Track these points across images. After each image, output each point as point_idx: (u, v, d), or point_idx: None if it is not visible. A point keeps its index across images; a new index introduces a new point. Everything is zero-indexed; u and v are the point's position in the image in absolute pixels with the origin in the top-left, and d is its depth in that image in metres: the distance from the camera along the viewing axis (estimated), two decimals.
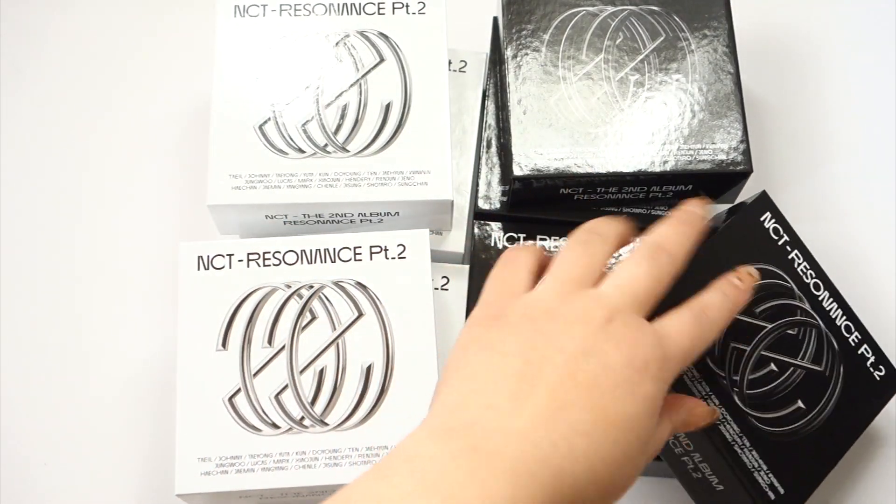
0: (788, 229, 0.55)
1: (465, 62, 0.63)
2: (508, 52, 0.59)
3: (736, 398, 0.50)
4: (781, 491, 0.50)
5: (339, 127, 0.56)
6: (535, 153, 0.57)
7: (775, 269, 0.53)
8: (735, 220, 0.53)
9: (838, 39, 0.73)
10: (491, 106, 0.63)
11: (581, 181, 0.57)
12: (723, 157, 0.57)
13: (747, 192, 0.63)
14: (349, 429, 0.50)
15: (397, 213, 0.55)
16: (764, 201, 0.54)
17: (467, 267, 0.59)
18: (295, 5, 0.58)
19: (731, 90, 0.58)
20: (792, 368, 0.52)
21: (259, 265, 0.53)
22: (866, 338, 0.55)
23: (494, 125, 0.63)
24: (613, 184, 0.57)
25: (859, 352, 0.54)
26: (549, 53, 0.59)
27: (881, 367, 0.55)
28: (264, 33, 0.58)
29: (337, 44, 0.58)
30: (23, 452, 0.61)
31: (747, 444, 0.49)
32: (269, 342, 0.51)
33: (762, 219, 0.54)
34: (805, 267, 0.54)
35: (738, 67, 0.59)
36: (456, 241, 0.59)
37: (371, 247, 0.53)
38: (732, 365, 0.50)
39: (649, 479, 0.60)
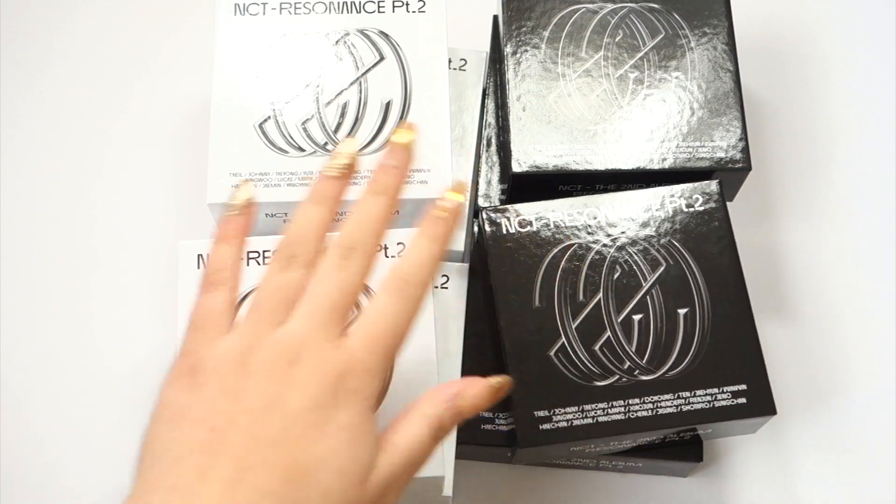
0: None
1: (465, 61, 0.63)
2: (508, 49, 0.59)
3: (645, 376, 0.51)
4: (744, 387, 0.51)
5: (339, 125, 0.56)
6: (534, 150, 0.57)
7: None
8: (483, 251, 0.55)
9: (838, 37, 0.73)
10: (491, 104, 0.64)
11: (580, 178, 0.57)
12: (722, 154, 0.57)
13: (746, 191, 0.63)
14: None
15: (397, 211, 0.55)
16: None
17: (467, 265, 0.59)
18: (295, 4, 0.58)
19: (730, 88, 0.58)
20: (651, 303, 0.53)
21: (259, 264, 0.53)
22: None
23: (494, 124, 0.63)
24: (612, 181, 0.58)
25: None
26: (549, 50, 0.59)
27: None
28: (264, 32, 0.58)
29: (337, 42, 0.58)
30: (21, 450, 0.61)
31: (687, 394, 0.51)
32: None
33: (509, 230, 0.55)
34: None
35: (738, 65, 0.59)
36: (456, 239, 0.59)
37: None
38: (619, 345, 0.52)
39: (649, 479, 0.60)
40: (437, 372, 0.51)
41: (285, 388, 0.39)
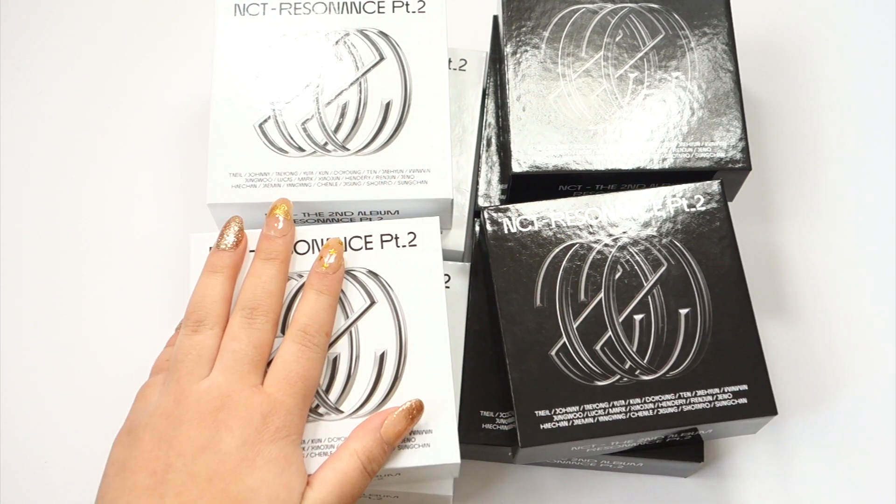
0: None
1: (466, 61, 0.63)
2: (508, 49, 0.59)
3: (646, 376, 0.51)
4: (745, 387, 0.52)
5: (339, 125, 0.56)
6: (534, 150, 0.57)
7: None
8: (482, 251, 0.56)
9: (838, 37, 0.73)
10: (491, 104, 0.64)
11: (580, 178, 0.57)
12: (721, 154, 0.57)
13: (746, 191, 0.63)
14: (364, 416, 0.50)
15: (397, 211, 0.55)
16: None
17: (468, 265, 0.59)
18: (295, 4, 0.58)
19: (730, 88, 0.58)
20: (652, 302, 0.53)
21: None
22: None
23: (494, 123, 0.63)
24: (612, 181, 0.58)
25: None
26: (549, 50, 0.59)
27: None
28: (264, 32, 0.58)
29: (337, 42, 0.58)
30: (25, 449, 0.61)
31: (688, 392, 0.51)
32: (283, 332, 0.52)
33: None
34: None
35: (738, 65, 0.59)
36: (456, 239, 0.59)
37: (382, 235, 0.53)
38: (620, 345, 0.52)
39: (650, 479, 0.60)
40: (449, 359, 0.51)
41: (214, 431, 0.44)
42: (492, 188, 0.61)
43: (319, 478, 0.46)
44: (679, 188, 0.55)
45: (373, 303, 0.52)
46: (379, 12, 0.58)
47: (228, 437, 0.44)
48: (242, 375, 0.46)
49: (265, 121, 0.56)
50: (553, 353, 0.52)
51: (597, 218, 0.55)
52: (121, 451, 0.45)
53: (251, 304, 0.48)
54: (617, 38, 0.59)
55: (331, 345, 0.51)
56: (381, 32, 0.58)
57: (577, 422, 0.51)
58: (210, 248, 0.52)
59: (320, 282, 0.50)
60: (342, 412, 0.50)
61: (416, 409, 0.48)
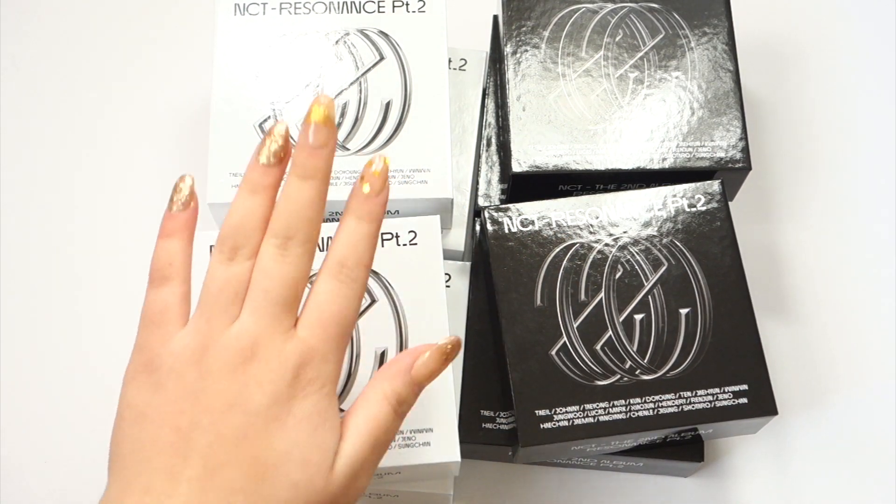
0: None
1: (466, 60, 0.63)
2: (508, 49, 0.59)
3: (646, 376, 0.51)
4: (745, 387, 0.51)
5: (339, 125, 0.56)
6: (534, 150, 0.57)
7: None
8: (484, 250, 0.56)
9: (838, 37, 0.73)
10: (491, 104, 0.64)
11: (580, 178, 0.57)
12: (722, 154, 0.57)
13: (746, 191, 0.63)
14: None
15: (397, 211, 0.55)
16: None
17: (468, 264, 0.59)
18: (295, 4, 0.58)
19: (730, 88, 0.58)
20: (651, 301, 0.53)
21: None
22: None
23: (494, 123, 0.63)
24: (612, 181, 0.58)
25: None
26: (549, 50, 0.59)
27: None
28: (264, 32, 0.58)
29: (337, 42, 0.58)
30: (25, 448, 0.61)
31: (688, 393, 0.51)
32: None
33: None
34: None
35: (738, 65, 0.59)
36: (456, 239, 0.59)
37: (382, 234, 0.53)
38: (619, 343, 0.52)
39: (650, 479, 0.60)
40: (450, 372, 0.51)
41: (244, 385, 0.39)
42: (492, 188, 0.62)
43: (351, 427, 0.41)
44: (679, 188, 0.55)
45: (373, 301, 0.52)
46: (379, 12, 0.58)
47: (258, 393, 0.39)
48: (274, 319, 0.40)
49: (265, 120, 0.56)
50: (553, 352, 0.52)
51: (597, 217, 0.55)
52: (140, 395, 0.40)
53: (285, 231, 0.41)
54: (617, 38, 0.59)
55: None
56: (381, 32, 0.58)
57: (577, 421, 0.51)
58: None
59: (361, 206, 0.42)
60: (342, 411, 0.50)
61: (453, 348, 0.43)
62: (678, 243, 0.54)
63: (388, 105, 0.56)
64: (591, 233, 0.54)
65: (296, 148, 0.42)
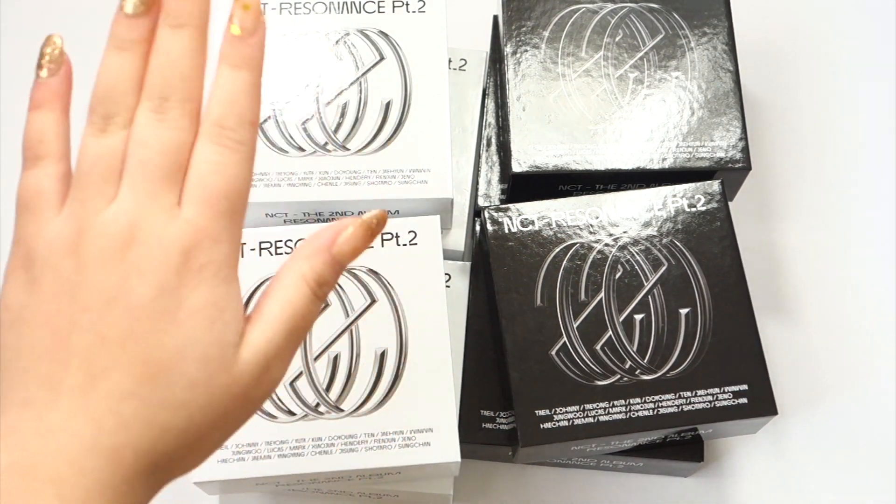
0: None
1: (465, 60, 0.63)
2: (508, 49, 0.59)
3: (646, 376, 0.51)
4: (745, 387, 0.52)
5: (339, 125, 0.56)
6: (534, 150, 0.57)
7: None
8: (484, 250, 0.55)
9: (838, 37, 0.73)
10: (491, 104, 0.64)
11: (580, 178, 0.57)
12: (721, 154, 0.57)
13: (746, 190, 0.63)
14: (365, 414, 0.50)
15: (397, 211, 0.55)
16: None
17: (468, 264, 0.59)
18: (295, 4, 0.58)
19: (730, 88, 0.58)
20: (650, 301, 0.53)
21: (271, 254, 0.53)
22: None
23: (494, 123, 0.63)
24: (612, 181, 0.58)
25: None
26: (549, 50, 0.59)
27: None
28: None
29: (337, 42, 0.58)
30: None
31: (688, 393, 0.51)
32: None
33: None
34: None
35: (738, 65, 0.59)
36: (456, 239, 0.59)
37: (382, 234, 0.53)
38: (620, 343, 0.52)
39: (650, 479, 0.60)
40: (450, 357, 0.51)
41: (124, 277, 0.34)
42: (492, 188, 0.62)
43: (264, 313, 0.36)
44: (679, 188, 0.55)
45: (373, 301, 0.52)
46: (379, 12, 0.58)
47: (141, 284, 0.34)
48: (154, 195, 0.35)
49: (265, 120, 0.56)
50: (553, 352, 0.52)
51: (597, 217, 0.55)
52: (18, 294, 0.35)
53: (160, 91, 0.36)
54: (617, 38, 0.59)
55: (331, 343, 0.51)
56: (381, 32, 0.58)
57: (577, 421, 0.51)
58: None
59: (234, 52, 0.36)
60: (342, 411, 0.50)
61: (379, 222, 0.38)
62: (678, 243, 0.54)
63: (388, 105, 0.56)
64: (591, 233, 0.54)
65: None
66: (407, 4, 0.58)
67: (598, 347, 0.52)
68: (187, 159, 0.35)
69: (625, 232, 0.54)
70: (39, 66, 0.39)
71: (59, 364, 0.34)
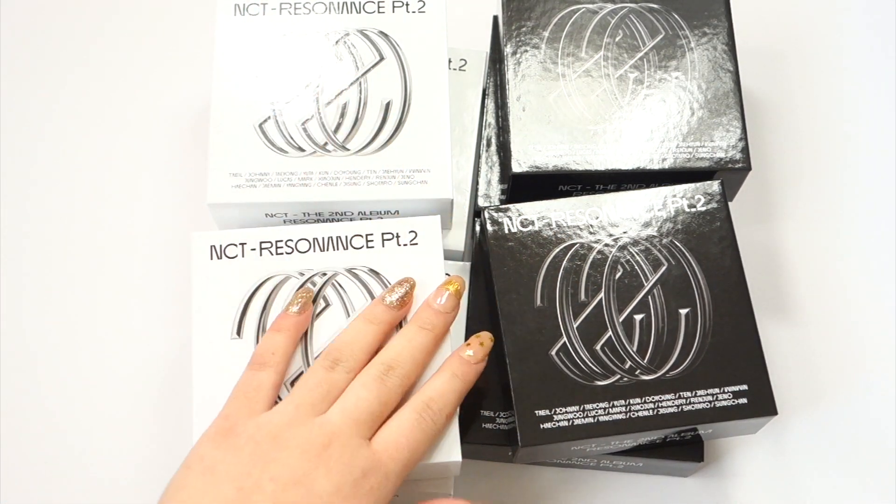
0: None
1: (465, 60, 0.63)
2: (508, 49, 0.59)
3: (646, 376, 0.51)
4: (745, 387, 0.51)
5: (339, 125, 0.56)
6: (533, 150, 0.57)
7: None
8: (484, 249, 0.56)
9: (838, 37, 0.73)
10: (491, 104, 0.64)
11: (580, 178, 0.57)
12: (721, 154, 0.57)
13: (746, 191, 0.63)
14: None
15: (397, 211, 0.55)
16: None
17: (468, 264, 0.59)
18: (295, 4, 0.58)
19: (730, 88, 0.58)
20: (651, 302, 0.53)
21: (272, 253, 0.53)
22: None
23: (494, 123, 0.63)
24: (612, 181, 0.58)
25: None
26: (549, 51, 0.59)
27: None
28: (264, 32, 0.58)
29: (337, 42, 0.58)
30: (25, 447, 0.61)
31: (688, 393, 0.51)
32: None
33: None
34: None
35: (738, 65, 0.59)
36: (456, 239, 0.59)
37: (383, 233, 0.53)
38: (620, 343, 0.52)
39: (650, 479, 0.60)
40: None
41: (314, 468, 0.42)
42: (492, 188, 0.62)
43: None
44: (679, 188, 0.55)
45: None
46: (379, 12, 0.58)
47: (325, 479, 0.43)
48: (358, 424, 0.45)
49: (265, 121, 0.56)
50: (553, 352, 0.52)
51: (597, 218, 0.55)
52: (213, 451, 0.43)
53: (392, 362, 0.48)
54: (617, 38, 0.59)
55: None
56: (381, 32, 0.58)
57: (577, 421, 0.51)
58: (211, 245, 0.52)
59: (460, 367, 0.49)
60: None
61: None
62: (678, 243, 0.54)
63: (388, 105, 0.56)
64: (591, 233, 0.54)
65: (422, 307, 0.50)
66: (407, 4, 0.58)
67: (597, 347, 0.52)
68: (386, 415, 0.46)
69: (625, 232, 0.54)
70: (292, 303, 0.50)
71: None
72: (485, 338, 0.51)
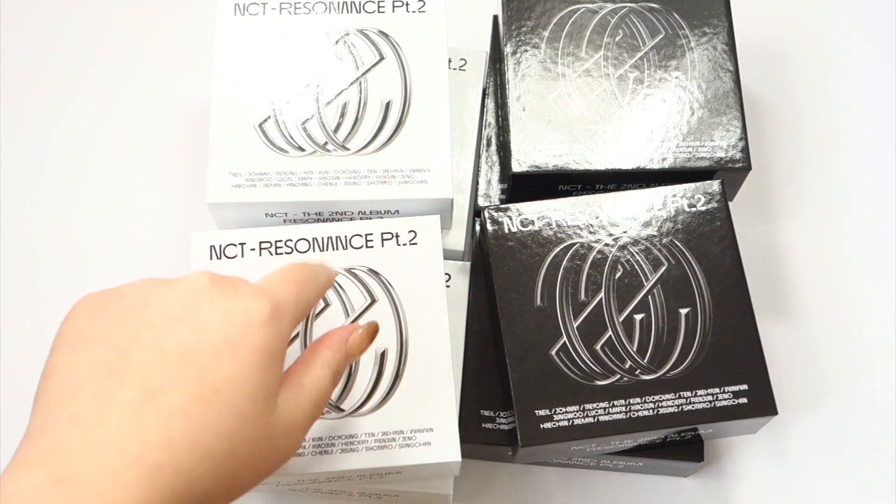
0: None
1: (465, 60, 0.63)
2: (508, 49, 0.59)
3: (646, 376, 0.51)
4: (745, 387, 0.51)
5: (339, 125, 0.56)
6: (534, 150, 0.57)
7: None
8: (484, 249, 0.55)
9: (838, 37, 0.73)
10: (491, 104, 0.64)
11: (580, 178, 0.57)
12: (721, 154, 0.57)
13: (747, 191, 0.63)
14: (365, 414, 0.50)
15: (397, 211, 0.55)
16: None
17: (468, 264, 0.59)
18: (295, 4, 0.58)
19: (730, 88, 0.58)
20: (651, 301, 0.53)
21: (271, 253, 0.53)
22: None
23: (494, 123, 0.63)
24: (612, 181, 0.58)
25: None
26: (549, 50, 0.59)
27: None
28: (264, 31, 0.58)
29: (337, 42, 0.58)
30: None
31: (688, 392, 0.51)
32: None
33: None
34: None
35: (738, 65, 0.59)
36: (456, 238, 0.59)
37: (382, 233, 0.53)
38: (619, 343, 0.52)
39: (650, 479, 0.60)
40: (450, 358, 0.51)
41: (195, 299, 0.36)
42: (492, 188, 0.62)
43: (296, 384, 0.39)
44: (679, 188, 0.55)
45: (373, 301, 0.52)
46: (379, 12, 0.58)
47: (210, 309, 0.36)
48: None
49: (265, 120, 0.56)
50: (553, 352, 0.52)
51: (597, 217, 0.55)
52: (78, 322, 0.36)
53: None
54: (617, 38, 0.59)
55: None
56: (381, 32, 0.58)
57: (577, 421, 0.51)
58: (211, 245, 0.52)
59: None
60: (343, 410, 0.50)
61: (375, 332, 0.44)
62: (678, 243, 0.54)
63: (388, 105, 0.56)
64: (591, 233, 0.54)
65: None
66: (407, 4, 0.58)
67: (598, 347, 0.52)
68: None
69: (625, 232, 0.54)
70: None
71: (116, 378, 0.34)
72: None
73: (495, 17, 0.64)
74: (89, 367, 0.35)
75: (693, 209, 0.55)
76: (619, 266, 0.53)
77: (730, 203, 0.56)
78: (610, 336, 0.52)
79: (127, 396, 0.34)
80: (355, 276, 0.53)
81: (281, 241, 0.53)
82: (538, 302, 0.53)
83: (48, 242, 0.66)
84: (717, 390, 0.51)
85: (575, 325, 0.52)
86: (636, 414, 0.51)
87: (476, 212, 0.60)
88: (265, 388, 0.36)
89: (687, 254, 0.54)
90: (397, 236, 0.54)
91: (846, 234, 0.67)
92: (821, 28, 0.73)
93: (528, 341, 0.52)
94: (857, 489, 0.60)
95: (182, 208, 0.67)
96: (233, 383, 0.35)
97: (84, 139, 0.69)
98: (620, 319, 0.52)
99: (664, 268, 0.53)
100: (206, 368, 0.35)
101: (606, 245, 0.54)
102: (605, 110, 0.58)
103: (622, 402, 0.51)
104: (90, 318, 0.36)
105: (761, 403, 0.51)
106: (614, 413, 0.51)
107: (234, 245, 0.53)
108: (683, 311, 0.52)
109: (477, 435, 0.55)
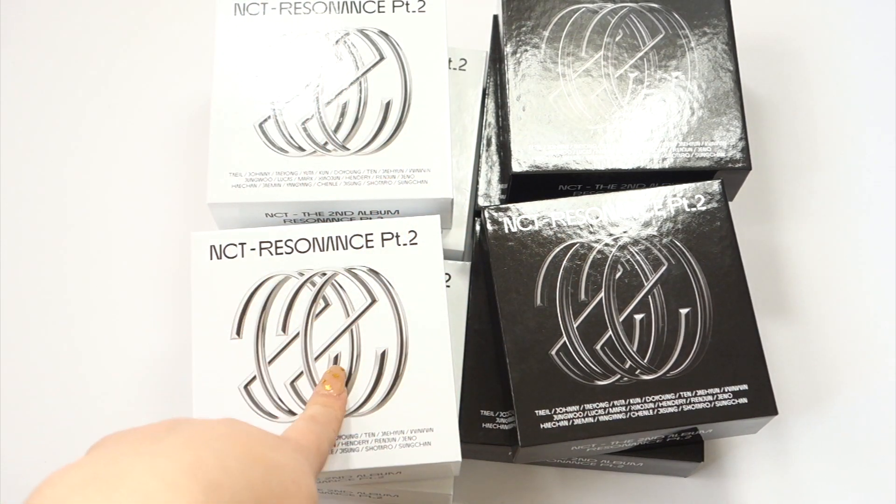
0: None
1: (465, 60, 0.63)
2: (508, 49, 0.59)
3: (646, 376, 0.51)
4: (745, 387, 0.51)
5: (339, 125, 0.56)
6: (534, 149, 0.57)
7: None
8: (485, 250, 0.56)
9: (838, 37, 0.73)
10: (491, 104, 0.64)
11: (580, 178, 0.57)
12: (722, 154, 0.57)
13: (746, 191, 0.63)
14: (365, 415, 0.50)
15: (397, 211, 0.55)
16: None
17: (468, 264, 0.59)
18: (295, 4, 0.58)
19: (730, 88, 0.58)
20: (651, 301, 0.53)
21: (271, 253, 0.53)
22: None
23: (494, 123, 0.63)
24: (612, 181, 0.58)
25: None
26: (549, 50, 0.59)
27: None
28: (264, 32, 0.58)
29: (337, 42, 0.58)
30: (25, 447, 0.61)
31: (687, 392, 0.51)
32: (284, 330, 0.52)
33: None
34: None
35: (738, 65, 0.59)
36: (456, 238, 0.59)
37: (383, 233, 0.53)
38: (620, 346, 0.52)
39: (650, 479, 0.60)
40: (450, 356, 0.51)
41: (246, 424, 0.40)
42: (492, 188, 0.61)
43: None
44: (679, 188, 0.55)
45: (373, 301, 0.52)
46: (379, 12, 0.58)
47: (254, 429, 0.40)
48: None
49: (265, 120, 0.56)
50: (553, 352, 0.52)
51: (597, 217, 0.55)
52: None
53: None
54: (617, 38, 0.59)
55: (332, 343, 0.51)
56: (381, 32, 0.58)
57: (577, 421, 0.51)
58: (211, 245, 0.52)
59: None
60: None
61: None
62: (678, 243, 0.54)
63: (388, 105, 0.56)
64: (591, 233, 0.54)
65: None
66: (407, 4, 0.58)
67: (598, 347, 0.52)
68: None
69: (625, 232, 0.54)
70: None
71: (165, 430, 0.36)
72: (332, 372, 0.50)
73: (495, 17, 0.64)
74: (133, 434, 0.37)
75: (693, 209, 0.55)
76: (619, 266, 0.53)
77: (730, 203, 0.56)
78: (610, 336, 0.52)
79: (175, 440, 0.36)
80: (355, 275, 0.53)
81: (281, 241, 0.53)
82: (538, 302, 0.53)
83: (48, 241, 0.66)
84: (717, 390, 0.51)
85: (575, 325, 0.52)
86: (636, 414, 0.51)
87: (476, 212, 0.60)
88: (305, 477, 0.40)
89: (687, 254, 0.54)
90: (397, 236, 0.54)
91: (846, 233, 0.67)
92: (821, 28, 0.73)
93: (528, 341, 0.52)
94: (857, 489, 0.60)
95: (182, 208, 0.67)
96: (280, 466, 0.39)
97: (84, 139, 0.69)
98: (620, 319, 0.52)
99: (664, 268, 0.53)
100: (258, 447, 0.38)
101: (606, 245, 0.54)
102: (605, 110, 0.58)
103: (622, 402, 0.51)
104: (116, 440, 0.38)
105: (761, 403, 0.51)
106: (614, 413, 0.51)
107: (234, 245, 0.53)
108: (683, 311, 0.52)
109: (477, 435, 0.55)
